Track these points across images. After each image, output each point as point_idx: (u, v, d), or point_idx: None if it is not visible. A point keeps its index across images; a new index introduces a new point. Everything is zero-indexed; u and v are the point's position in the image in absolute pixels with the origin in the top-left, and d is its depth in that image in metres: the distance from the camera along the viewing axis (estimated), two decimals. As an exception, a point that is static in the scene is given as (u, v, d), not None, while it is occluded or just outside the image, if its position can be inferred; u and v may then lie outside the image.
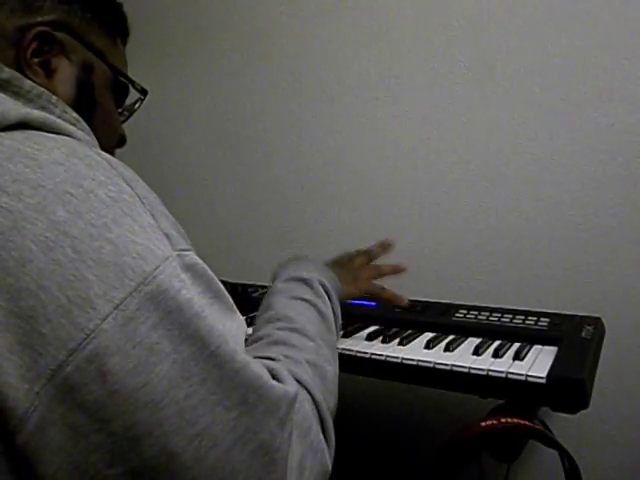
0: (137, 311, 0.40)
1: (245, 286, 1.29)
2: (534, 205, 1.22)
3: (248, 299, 1.22)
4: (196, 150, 1.66)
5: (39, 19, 0.56)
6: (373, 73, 1.38)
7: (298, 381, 0.53)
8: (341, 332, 0.87)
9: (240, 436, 0.43)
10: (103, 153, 0.47)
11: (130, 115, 0.72)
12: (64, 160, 0.43)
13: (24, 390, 0.38)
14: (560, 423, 1.03)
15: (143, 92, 0.70)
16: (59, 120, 0.50)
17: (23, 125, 0.46)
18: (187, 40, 1.64)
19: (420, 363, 0.85)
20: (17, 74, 0.52)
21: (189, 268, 0.44)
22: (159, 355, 0.40)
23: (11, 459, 0.39)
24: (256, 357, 0.53)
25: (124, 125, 0.72)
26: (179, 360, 0.41)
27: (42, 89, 0.53)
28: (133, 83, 0.68)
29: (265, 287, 1.31)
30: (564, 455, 0.79)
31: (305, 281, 0.73)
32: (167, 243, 0.44)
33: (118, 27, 0.67)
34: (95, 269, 0.39)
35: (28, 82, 0.52)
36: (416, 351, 0.88)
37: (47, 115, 0.49)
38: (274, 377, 0.49)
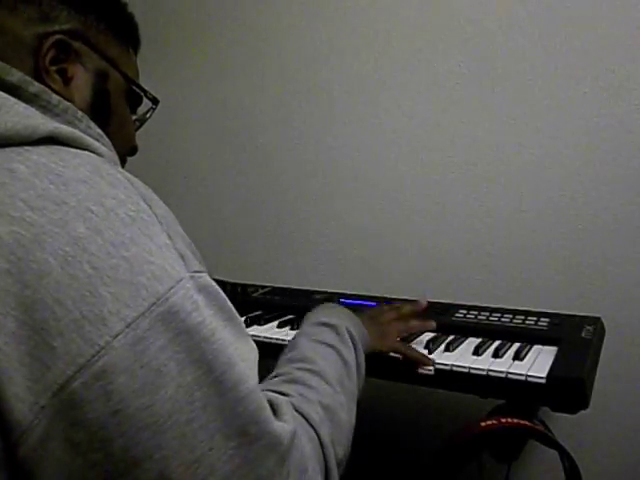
0: (148, 331, 0.40)
1: (245, 286, 1.29)
2: (534, 205, 1.22)
3: (248, 299, 1.22)
4: (195, 150, 1.66)
5: (56, 27, 0.57)
6: (373, 73, 1.38)
7: (306, 419, 0.53)
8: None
9: (237, 467, 0.43)
10: (125, 172, 0.48)
11: (142, 124, 0.73)
12: (88, 178, 0.43)
13: (29, 403, 0.38)
14: (560, 423, 1.03)
15: (155, 101, 0.71)
16: (84, 135, 0.50)
17: (51, 140, 0.46)
18: (187, 39, 1.64)
19: (420, 363, 0.85)
20: (45, 88, 0.53)
21: (202, 289, 0.45)
22: (165, 378, 0.40)
23: (11, 472, 0.39)
24: (268, 390, 0.53)
25: None
26: (184, 384, 0.41)
27: (68, 103, 0.54)
28: (145, 92, 0.69)
29: (265, 287, 1.31)
30: (564, 455, 0.79)
31: (332, 327, 0.72)
32: (182, 264, 0.44)
33: (130, 37, 0.67)
34: (110, 286, 0.40)
35: (55, 96, 0.53)
36: (416, 351, 0.89)
37: (74, 130, 0.49)
38: (274, 411, 0.48)
